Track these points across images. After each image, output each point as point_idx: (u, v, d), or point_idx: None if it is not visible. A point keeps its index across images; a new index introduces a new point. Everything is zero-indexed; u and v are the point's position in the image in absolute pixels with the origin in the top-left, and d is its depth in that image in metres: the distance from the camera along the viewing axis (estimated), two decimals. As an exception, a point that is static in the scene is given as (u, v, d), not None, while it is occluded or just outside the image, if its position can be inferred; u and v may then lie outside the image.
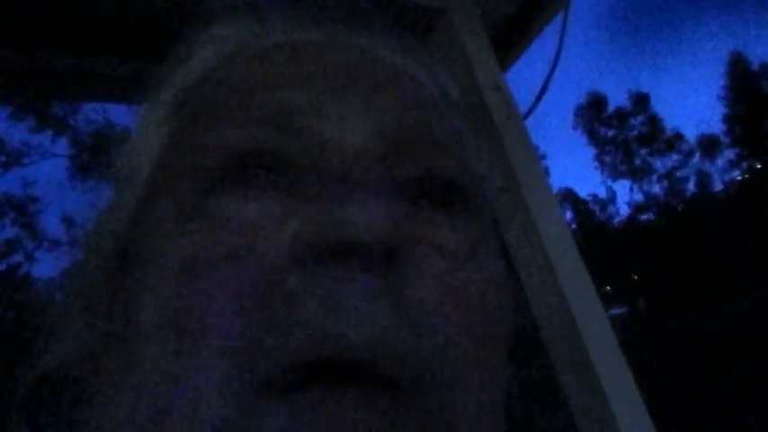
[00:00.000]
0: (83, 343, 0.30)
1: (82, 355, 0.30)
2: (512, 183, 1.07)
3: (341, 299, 0.23)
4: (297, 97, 0.30)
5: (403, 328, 0.24)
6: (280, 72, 0.32)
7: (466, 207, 0.30)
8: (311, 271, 0.24)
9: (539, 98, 1.23)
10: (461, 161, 0.32)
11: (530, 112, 1.25)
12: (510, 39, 1.29)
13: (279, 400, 0.22)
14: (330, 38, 0.35)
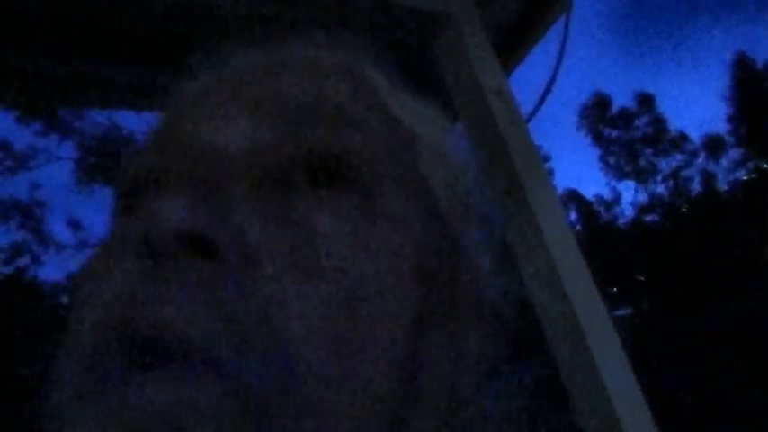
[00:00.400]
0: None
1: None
2: (516, 187, 1.08)
3: (138, 289, 0.25)
4: (187, 116, 0.33)
5: (204, 304, 0.25)
6: (189, 100, 0.35)
7: (348, 181, 0.31)
8: (130, 273, 0.26)
9: (541, 101, 1.24)
10: (348, 137, 0.32)
11: (532, 114, 1.26)
12: (512, 43, 1.30)
13: (89, 391, 0.24)
14: (259, 66, 0.37)
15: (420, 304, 0.30)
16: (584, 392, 0.96)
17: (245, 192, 0.29)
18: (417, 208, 0.33)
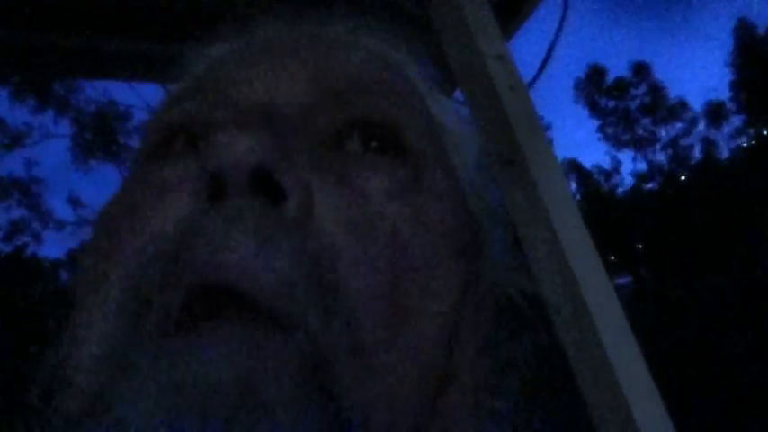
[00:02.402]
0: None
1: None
2: (516, 153, 1.05)
3: (202, 231, 0.24)
4: (233, 74, 0.34)
5: (257, 250, 0.24)
6: (227, 63, 0.36)
7: (398, 151, 0.32)
8: (195, 216, 0.26)
9: (542, 67, 1.21)
10: (393, 103, 0.33)
11: (534, 81, 1.23)
12: (512, 6, 1.27)
13: (151, 343, 0.23)
14: (288, 32, 0.38)
15: (462, 281, 0.31)
16: (587, 361, 0.95)
17: (303, 147, 0.29)
18: (454, 190, 0.34)
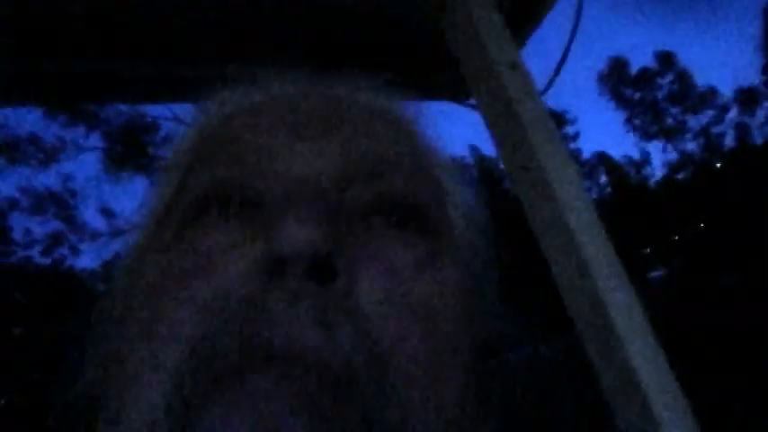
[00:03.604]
0: (94, 379, 0.35)
1: (91, 389, 0.34)
2: (532, 161, 1.05)
3: (264, 306, 0.28)
4: (261, 140, 0.35)
5: (314, 323, 0.27)
6: (253, 122, 0.37)
7: (420, 226, 0.35)
8: (252, 285, 0.29)
9: (557, 72, 1.21)
10: (416, 182, 0.36)
11: (549, 86, 1.23)
12: (525, 13, 1.26)
13: (219, 388, 0.26)
14: (301, 89, 0.41)
15: (475, 336, 0.35)
16: (611, 371, 0.94)
17: (341, 225, 0.32)
18: (463, 260, 0.38)
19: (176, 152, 0.42)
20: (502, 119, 1.09)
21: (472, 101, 1.33)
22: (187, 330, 0.29)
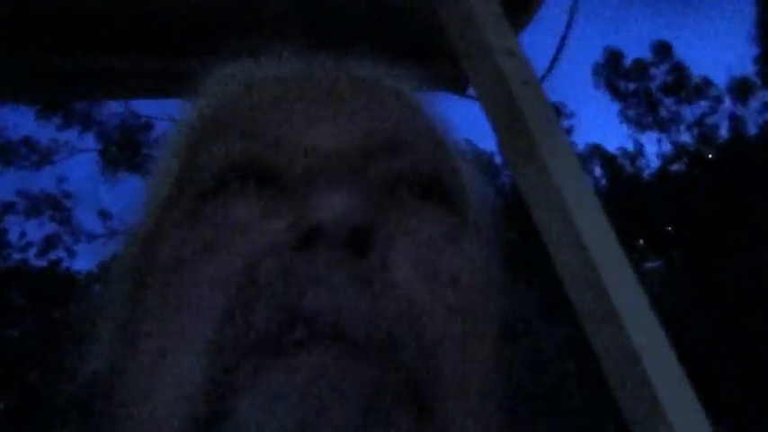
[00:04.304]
0: (111, 351, 0.34)
1: (110, 361, 0.33)
2: (532, 148, 1.05)
3: (303, 274, 0.27)
4: (273, 113, 0.35)
5: (359, 292, 0.27)
6: (263, 97, 0.37)
7: (442, 199, 0.35)
8: (283, 256, 0.28)
9: (553, 61, 1.20)
10: (436, 159, 0.36)
11: (547, 73, 1.22)
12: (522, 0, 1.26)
13: (245, 364, 0.25)
14: (312, 65, 0.41)
15: (500, 314, 0.35)
16: (612, 352, 0.94)
17: (372, 196, 0.31)
18: (480, 234, 0.38)
19: (180, 128, 0.41)
20: (500, 106, 1.08)
21: (470, 92, 1.33)
22: (218, 302, 0.28)
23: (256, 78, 0.40)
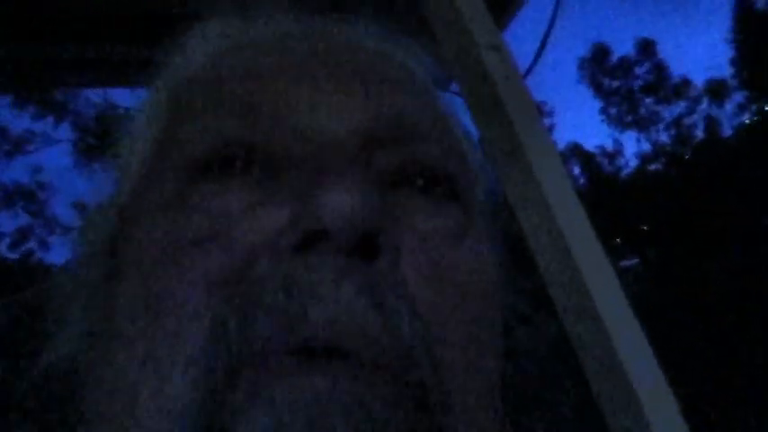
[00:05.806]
0: (80, 339, 0.32)
1: (79, 350, 0.32)
2: (515, 144, 1.05)
3: (308, 283, 0.24)
4: (270, 88, 0.31)
5: (369, 307, 0.25)
6: (257, 64, 0.33)
7: (449, 193, 0.32)
8: (283, 257, 0.25)
9: (538, 55, 1.20)
10: (445, 148, 0.33)
11: (530, 69, 1.23)
12: (505, -5, 1.25)
13: (243, 381, 0.23)
14: (311, 29, 0.36)
15: (502, 310, 0.34)
16: (592, 349, 0.95)
17: (379, 191, 0.29)
18: (488, 229, 0.36)
19: (159, 88, 0.37)
20: (484, 102, 1.08)
21: (454, 87, 1.32)
22: (210, 305, 0.25)
23: (248, 39, 0.36)
